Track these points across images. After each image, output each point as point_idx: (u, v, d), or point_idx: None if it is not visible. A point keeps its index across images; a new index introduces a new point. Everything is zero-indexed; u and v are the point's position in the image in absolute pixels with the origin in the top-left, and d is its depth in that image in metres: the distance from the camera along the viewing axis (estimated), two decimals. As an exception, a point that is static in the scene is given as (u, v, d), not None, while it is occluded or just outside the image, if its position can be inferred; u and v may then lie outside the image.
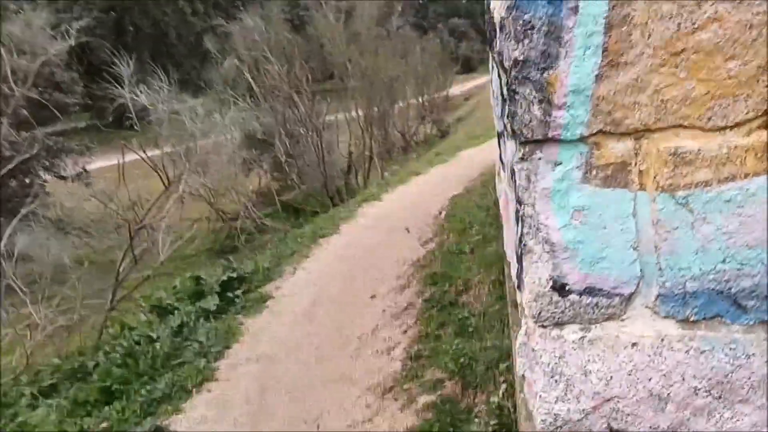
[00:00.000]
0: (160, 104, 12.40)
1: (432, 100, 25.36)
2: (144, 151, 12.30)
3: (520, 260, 2.35)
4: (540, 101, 1.94)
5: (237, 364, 4.87)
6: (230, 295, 6.14)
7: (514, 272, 3.08)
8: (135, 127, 12.44)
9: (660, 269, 2.08)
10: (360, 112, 16.38)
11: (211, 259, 12.80)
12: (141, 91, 12.16)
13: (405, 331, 4.68)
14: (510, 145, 2.35)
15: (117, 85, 12.74)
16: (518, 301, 2.94)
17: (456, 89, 33.02)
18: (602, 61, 1.86)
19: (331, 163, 12.91)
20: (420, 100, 24.77)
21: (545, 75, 1.91)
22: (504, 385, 3.53)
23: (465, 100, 31.76)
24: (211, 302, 5.98)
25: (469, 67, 42.42)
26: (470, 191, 7.90)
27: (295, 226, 13.77)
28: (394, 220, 7.71)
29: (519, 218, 2.20)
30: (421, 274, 5.56)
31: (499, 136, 3.60)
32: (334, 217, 8.61)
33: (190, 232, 11.91)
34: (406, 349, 4.37)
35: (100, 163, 16.74)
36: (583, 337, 2.20)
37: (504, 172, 4.07)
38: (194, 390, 4.55)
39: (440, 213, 7.43)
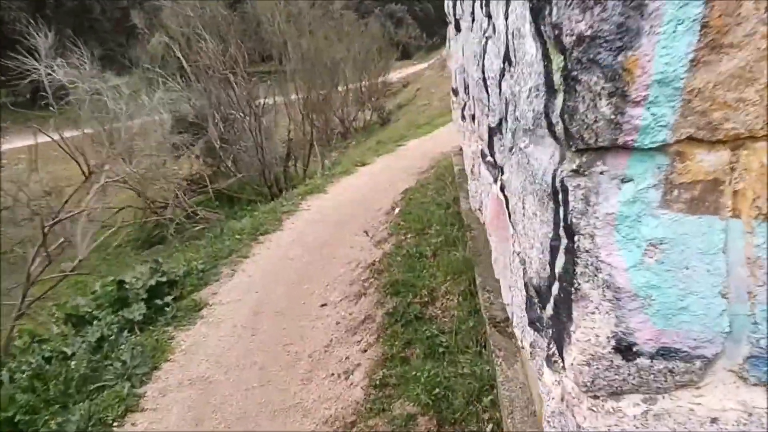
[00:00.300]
0: (81, 82, 11.29)
1: (372, 85, 24.74)
2: (61, 135, 11.17)
3: (560, 304, 1.77)
4: (611, 94, 1.36)
5: (167, 389, 4.18)
6: (159, 302, 5.40)
7: (518, 302, 2.44)
8: (52, 107, 11.28)
9: (755, 322, 1.56)
10: (299, 96, 15.59)
11: (137, 253, 11.83)
12: (58, 66, 11.01)
13: (364, 351, 4.10)
14: (548, 152, 1.75)
15: (31, 59, 11.54)
16: (525, 344, 2.34)
17: (393, 75, 32.49)
18: (699, 41, 1.32)
19: (270, 150, 12.11)
20: (360, 85, 24.14)
21: (620, 58, 1.34)
22: (490, 425, 3.01)
23: (403, 87, 31.27)
24: (137, 311, 5.23)
25: (406, 53, 41.98)
26: (424, 185, 7.35)
27: (230, 215, 12.97)
28: (343, 216, 7.10)
29: (568, 251, 1.63)
30: (378, 280, 4.97)
31: (493, 131, 3.04)
32: (276, 210, 7.91)
33: (115, 224, 10.94)
34: (368, 373, 3.79)
35: (14, 143, 15.31)
36: (647, 411, 1.66)
37: (489, 170, 3.46)
38: (115, 424, 3.85)
39: (394, 209, 6.86)
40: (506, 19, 2.19)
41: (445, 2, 6.00)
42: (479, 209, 4.40)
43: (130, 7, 23.58)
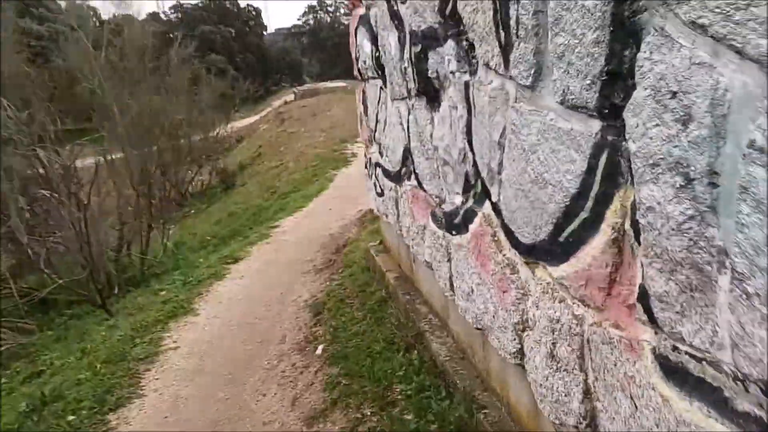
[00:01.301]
0: None
1: (209, 144, 22.23)
2: None
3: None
4: None
5: None
6: None
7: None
8: None
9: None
10: (129, 164, 12.85)
11: None
12: None
13: None
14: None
15: None
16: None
17: (222, 130, 30.14)
18: None
19: (98, 242, 9.35)
20: (189, 143, 21.56)
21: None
22: None
23: (237, 142, 28.92)
24: None
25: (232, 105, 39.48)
26: (342, 297, 5.40)
27: (45, 325, 9.98)
28: (234, 364, 4.86)
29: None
30: None
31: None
32: (126, 355, 5.37)
33: None
34: None
35: None
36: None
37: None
38: None
39: (311, 344, 4.82)
40: None
41: (365, 52, 4.28)
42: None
43: None
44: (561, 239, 1.90)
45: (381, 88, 4.38)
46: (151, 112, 13.52)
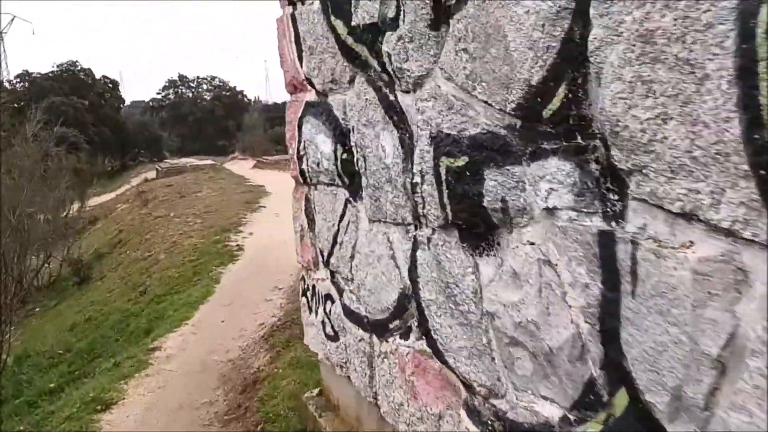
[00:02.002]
0: None
1: (57, 225, 19.58)
2: None
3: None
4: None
5: None
6: None
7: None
8: None
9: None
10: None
11: None
12: None
13: None
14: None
15: None
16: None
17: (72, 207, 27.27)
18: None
19: None
20: (41, 225, 18.89)
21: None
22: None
23: (90, 224, 26.08)
24: None
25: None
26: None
27: None
28: None
29: None
30: None
31: None
32: None
33: None
34: None
35: None
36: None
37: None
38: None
39: None
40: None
41: (318, 151, 3.19)
42: None
43: None
44: None
45: (348, 201, 3.20)
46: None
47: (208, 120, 63.78)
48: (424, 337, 2.55)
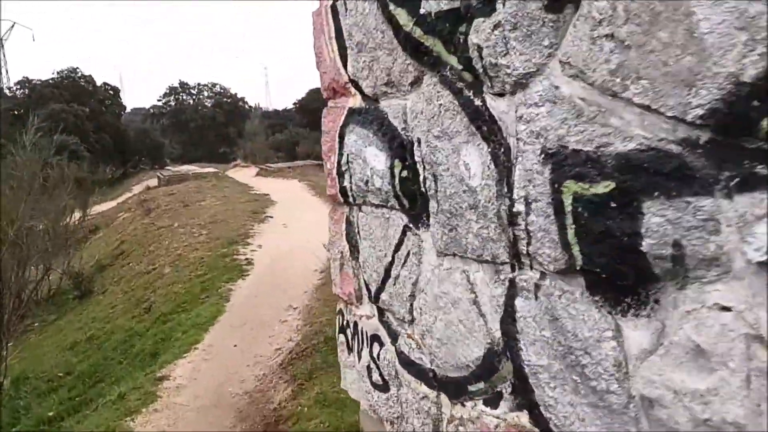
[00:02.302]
0: None
1: (57, 235, 19.02)
2: None
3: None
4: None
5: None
6: None
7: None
8: None
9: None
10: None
11: None
12: None
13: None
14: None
15: None
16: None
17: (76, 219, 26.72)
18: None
19: None
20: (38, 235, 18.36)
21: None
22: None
23: (90, 233, 25.50)
24: None
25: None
26: None
27: None
28: None
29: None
30: None
31: None
32: None
33: None
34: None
35: None
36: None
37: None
38: None
39: None
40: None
41: (368, 167, 2.63)
42: None
43: None
44: None
45: (407, 228, 2.64)
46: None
47: (209, 127, 63.34)
48: (526, 411, 1.99)
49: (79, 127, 44.98)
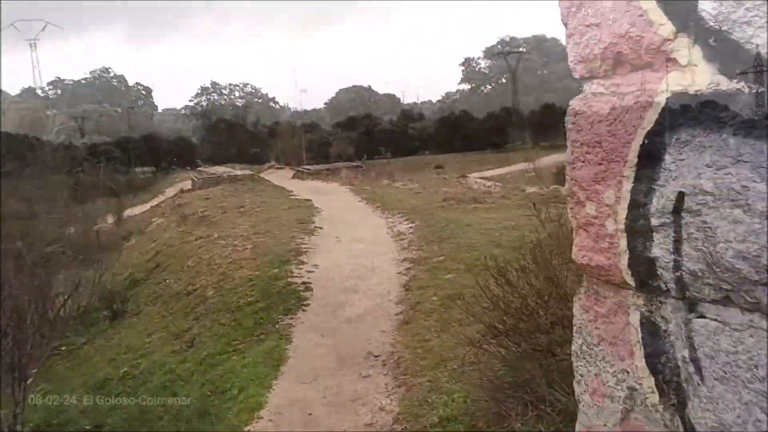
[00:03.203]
0: None
1: (89, 240, 17.87)
2: None
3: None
4: None
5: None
6: None
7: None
8: None
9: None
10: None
11: None
12: None
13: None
14: None
15: None
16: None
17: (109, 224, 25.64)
18: None
19: None
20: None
21: None
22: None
23: (123, 240, 24.22)
24: None
25: (113, 192, 34.55)
26: None
27: None
28: None
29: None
30: None
31: None
32: None
33: None
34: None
35: None
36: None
37: None
38: None
39: None
40: None
41: None
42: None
43: None
44: None
45: None
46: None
47: (241, 127, 62.36)
48: None
49: (111, 127, 44.20)
